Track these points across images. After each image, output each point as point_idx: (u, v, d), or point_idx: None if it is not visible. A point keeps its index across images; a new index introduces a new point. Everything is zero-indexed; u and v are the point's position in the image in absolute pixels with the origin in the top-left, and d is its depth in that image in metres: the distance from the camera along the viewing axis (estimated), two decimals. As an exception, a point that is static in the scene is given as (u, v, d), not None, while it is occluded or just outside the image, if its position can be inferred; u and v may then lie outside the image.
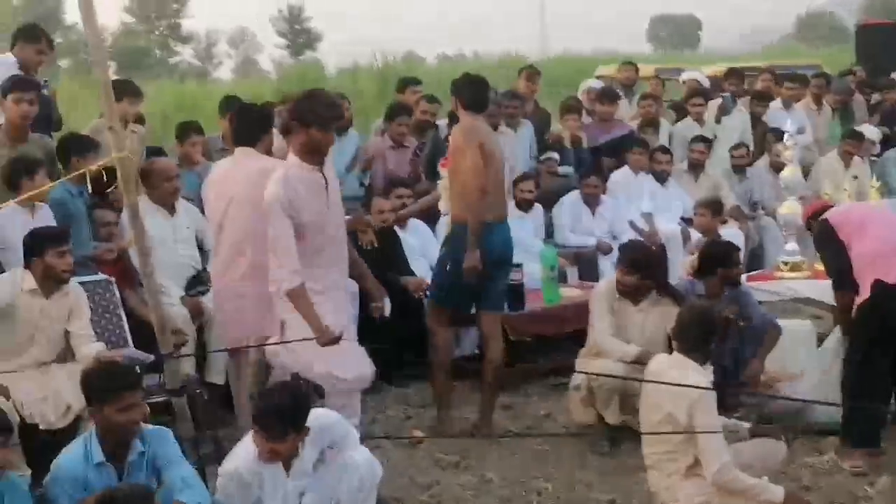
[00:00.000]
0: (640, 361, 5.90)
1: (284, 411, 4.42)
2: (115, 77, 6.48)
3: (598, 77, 13.97)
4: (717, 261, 6.59)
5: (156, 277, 6.20)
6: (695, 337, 5.13)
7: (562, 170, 9.88)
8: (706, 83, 12.23)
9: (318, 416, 4.60)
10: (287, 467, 4.54)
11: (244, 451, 4.56)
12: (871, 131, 10.95)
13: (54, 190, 6.12)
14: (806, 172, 9.49)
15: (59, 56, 40.57)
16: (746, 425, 5.46)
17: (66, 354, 5.74)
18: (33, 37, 7.26)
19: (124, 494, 4.09)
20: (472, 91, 6.59)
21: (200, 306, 6.78)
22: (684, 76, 12.60)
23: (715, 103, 11.01)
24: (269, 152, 6.16)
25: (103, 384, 4.37)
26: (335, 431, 4.70)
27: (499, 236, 6.50)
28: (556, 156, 9.81)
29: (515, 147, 9.54)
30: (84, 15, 4.82)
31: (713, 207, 8.52)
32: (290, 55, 56.43)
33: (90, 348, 5.62)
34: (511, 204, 9.01)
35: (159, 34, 66.90)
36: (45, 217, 6.15)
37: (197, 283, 7.04)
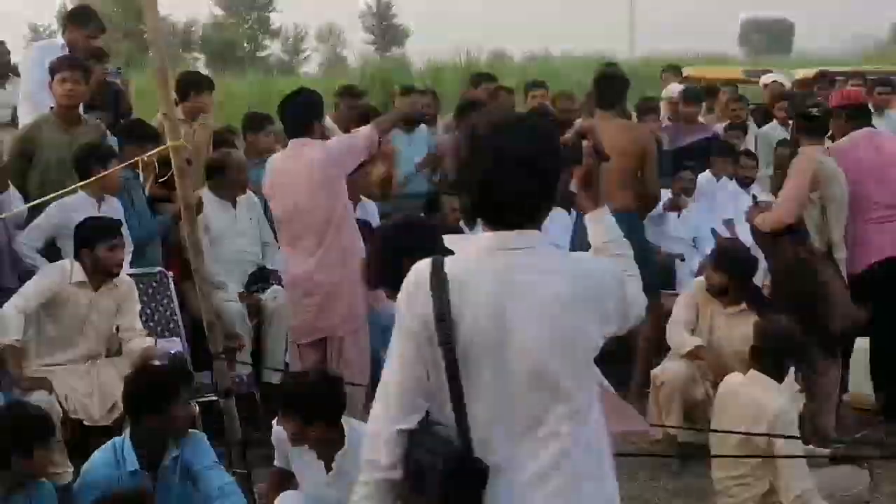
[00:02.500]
0: (697, 356, 5.89)
1: (314, 396, 4.19)
2: (202, 70, 6.34)
3: (684, 78, 13.54)
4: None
5: (213, 272, 6.14)
6: (774, 355, 4.82)
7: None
8: (788, 85, 11.74)
9: None
10: (328, 459, 4.28)
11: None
12: None
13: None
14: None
15: (146, 48, 41.20)
16: (826, 451, 5.12)
17: (116, 349, 5.60)
18: (81, 20, 7.17)
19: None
20: (606, 87, 6.79)
21: (260, 304, 6.59)
22: (765, 79, 12.06)
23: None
24: (323, 138, 5.98)
25: (144, 396, 4.23)
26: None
27: None
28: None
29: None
30: (145, 1, 4.70)
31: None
32: (376, 51, 56.60)
33: (138, 343, 5.47)
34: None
35: (248, 28, 67.74)
36: (112, 209, 6.01)
37: (258, 278, 6.84)
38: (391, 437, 2.46)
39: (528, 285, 2.40)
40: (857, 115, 6.59)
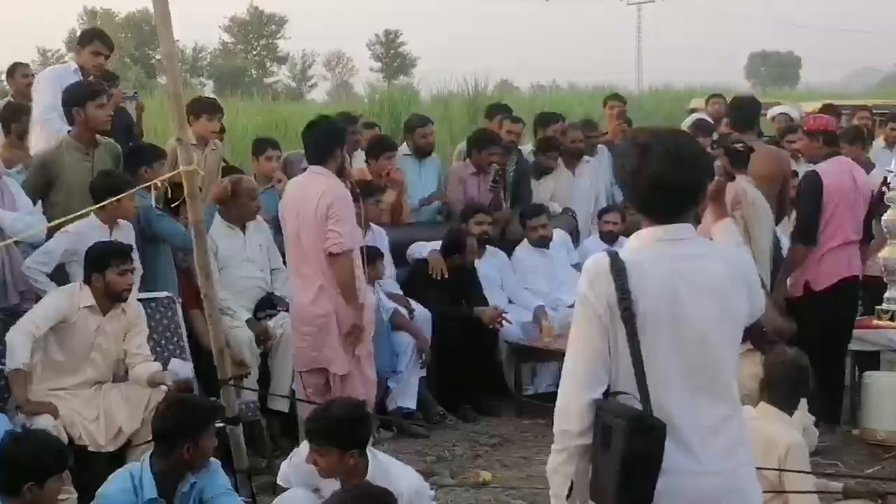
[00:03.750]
0: None
1: (336, 424, 4.11)
2: (210, 95, 6.36)
3: (690, 110, 13.56)
4: None
5: (221, 299, 6.12)
6: (785, 388, 4.79)
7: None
8: (796, 118, 11.71)
9: (406, 484, 4.22)
10: None
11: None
12: None
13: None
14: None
15: (158, 73, 41.36)
16: (838, 485, 5.06)
17: (123, 374, 5.56)
18: (88, 40, 7.21)
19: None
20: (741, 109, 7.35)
21: (268, 331, 6.57)
22: (773, 112, 11.98)
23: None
24: (342, 168, 5.98)
25: (180, 426, 4.21)
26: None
27: None
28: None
29: (598, 176, 9.24)
30: (159, 25, 4.71)
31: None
32: (383, 79, 56.81)
33: (145, 368, 5.43)
34: (595, 237, 8.73)
35: (256, 54, 68.11)
36: (125, 235, 5.95)
37: (266, 305, 6.82)
38: (582, 408, 2.82)
39: (694, 269, 2.86)
40: (832, 141, 7.18)
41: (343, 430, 4.10)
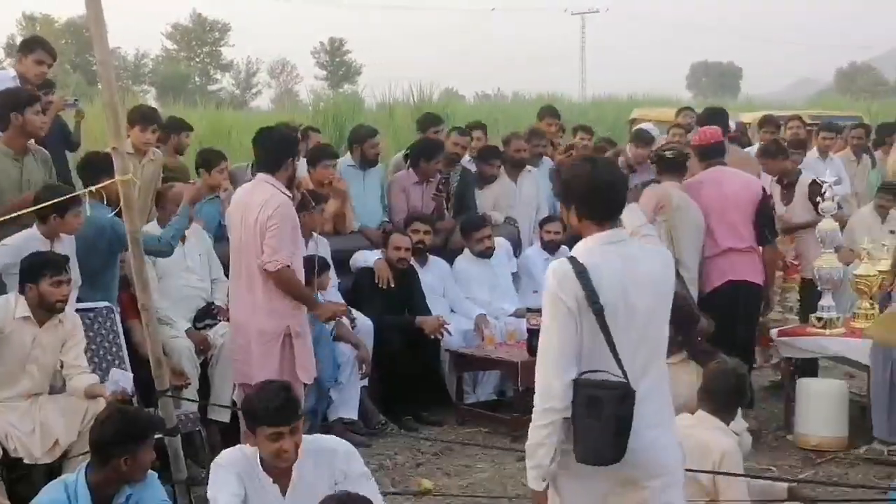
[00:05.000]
0: None
1: (290, 400, 4.07)
2: (152, 102, 6.27)
3: (631, 120, 13.69)
4: None
5: (160, 308, 6.07)
6: (723, 397, 4.84)
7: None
8: (732, 129, 11.78)
9: (336, 442, 4.28)
10: (285, 478, 4.12)
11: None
12: None
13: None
14: (843, 225, 9.10)
15: (99, 80, 40.76)
16: (783, 485, 5.12)
17: (60, 385, 5.49)
18: (30, 48, 7.12)
19: None
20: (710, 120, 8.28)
21: (207, 340, 6.53)
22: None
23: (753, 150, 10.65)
24: (292, 179, 5.96)
25: (118, 439, 4.14)
26: (350, 464, 4.23)
27: None
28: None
29: (540, 185, 9.29)
30: (93, 32, 4.66)
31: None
32: (328, 87, 56.65)
33: (82, 380, 5.36)
34: (537, 245, 8.77)
35: (199, 61, 67.55)
36: (65, 247, 5.82)
37: (206, 315, 6.78)
38: (564, 387, 3.42)
39: (636, 266, 3.51)
40: (709, 155, 7.47)
41: (285, 408, 4.04)
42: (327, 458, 4.17)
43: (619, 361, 3.42)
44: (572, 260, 3.47)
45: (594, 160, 3.67)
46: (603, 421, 3.38)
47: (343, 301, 7.39)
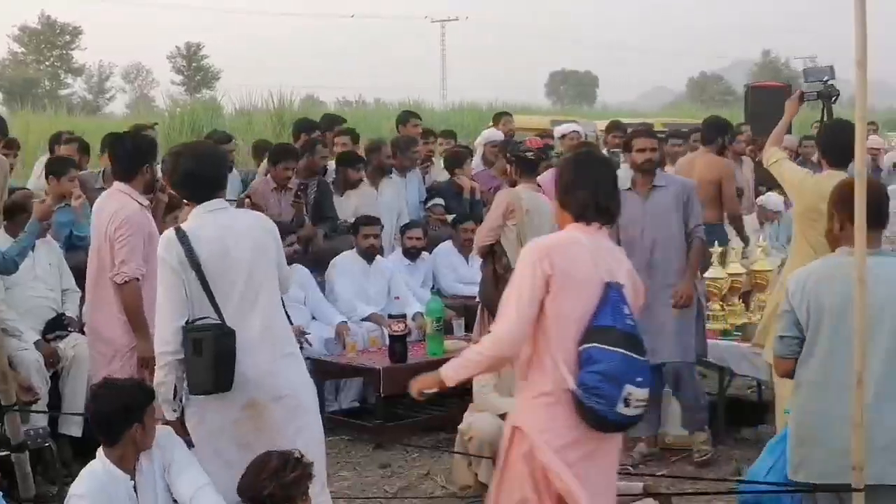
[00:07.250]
0: None
1: (137, 392, 4.16)
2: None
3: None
4: None
5: (7, 319, 5.85)
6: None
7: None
8: (584, 136, 11.93)
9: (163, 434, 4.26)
10: (132, 466, 4.13)
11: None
12: (773, 200, 10.17)
13: None
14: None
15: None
16: (639, 485, 5.23)
17: None
18: None
19: None
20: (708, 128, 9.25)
21: (57, 353, 6.32)
22: (562, 130, 12.00)
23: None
24: (151, 185, 5.80)
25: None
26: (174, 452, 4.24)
27: None
28: (441, 202, 9.57)
29: (407, 194, 9.31)
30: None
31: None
32: (186, 92, 55.62)
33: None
34: (398, 252, 8.77)
35: (49, 65, 65.41)
36: None
37: (57, 325, 6.55)
38: (174, 331, 4.16)
39: (234, 226, 4.34)
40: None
41: (136, 403, 4.07)
42: (167, 454, 4.19)
43: (216, 307, 4.13)
44: (177, 229, 4.21)
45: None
46: (205, 357, 4.06)
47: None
